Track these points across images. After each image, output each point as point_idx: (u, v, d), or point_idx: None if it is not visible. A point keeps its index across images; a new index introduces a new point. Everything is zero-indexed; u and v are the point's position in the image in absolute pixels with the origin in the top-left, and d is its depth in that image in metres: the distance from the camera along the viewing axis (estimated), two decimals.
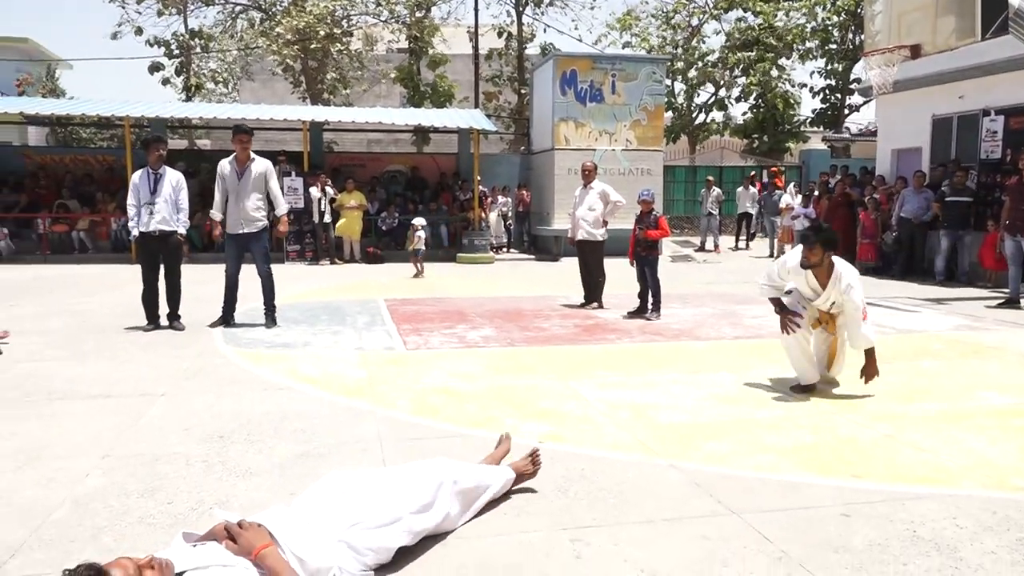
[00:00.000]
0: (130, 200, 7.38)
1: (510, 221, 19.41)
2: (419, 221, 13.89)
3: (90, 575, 2.07)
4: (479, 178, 17.45)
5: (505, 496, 3.32)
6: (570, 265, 9.96)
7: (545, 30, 36.29)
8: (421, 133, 23.87)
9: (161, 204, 7.31)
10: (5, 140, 20.12)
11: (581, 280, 9.41)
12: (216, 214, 7.58)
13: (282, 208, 7.71)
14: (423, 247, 13.46)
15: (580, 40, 41.58)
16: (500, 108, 27.73)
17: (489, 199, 18.37)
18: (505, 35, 26.84)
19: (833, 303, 5.07)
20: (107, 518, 3.08)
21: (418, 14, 25.10)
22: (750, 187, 19.85)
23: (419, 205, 18.20)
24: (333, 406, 4.82)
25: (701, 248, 19.32)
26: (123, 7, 24.18)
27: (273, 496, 3.29)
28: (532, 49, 27.71)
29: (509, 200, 19.31)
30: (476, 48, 24.72)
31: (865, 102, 26.60)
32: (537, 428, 4.35)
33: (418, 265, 13.33)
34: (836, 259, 5.03)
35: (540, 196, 18.42)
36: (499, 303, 9.64)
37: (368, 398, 5.01)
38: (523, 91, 26.07)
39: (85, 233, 15.91)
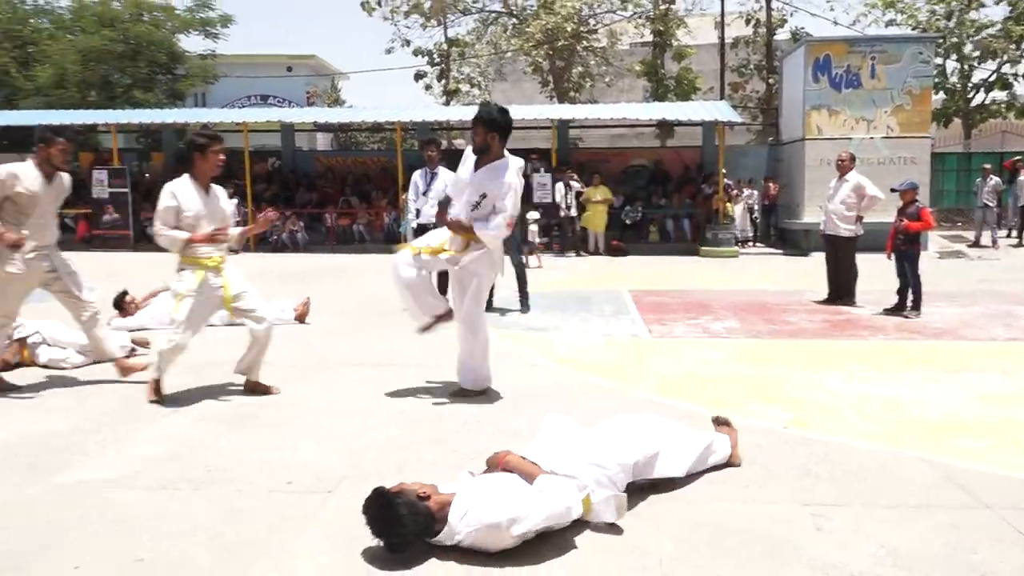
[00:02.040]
0: (410, 195, 8.43)
1: (756, 214, 18.94)
2: (532, 215, 14.32)
3: (378, 501, 2.74)
4: (724, 171, 17.25)
5: (744, 471, 3.54)
6: (820, 260, 9.67)
7: (793, 14, 34.37)
8: (665, 127, 23.95)
9: (434, 199, 8.22)
10: (299, 146, 23.16)
11: (827, 275, 9.12)
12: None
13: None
14: (536, 240, 13.79)
15: (836, 23, 38.98)
16: (747, 98, 26.96)
17: (734, 192, 18.08)
18: (753, 22, 26.04)
19: (482, 196, 4.62)
20: (406, 459, 3.75)
21: (662, 7, 25.15)
22: None
23: (663, 199, 18.36)
24: (584, 383, 5.28)
25: (976, 244, 17.55)
26: (395, 24, 26.74)
27: None
28: (782, 35, 26.60)
29: (755, 193, 18.84)
30: (722, 38, 24.27)
31: None
32: (780, 414, 4.48)
33: (533, 257, 13.45)
34: (512, 156, 4.69)
35: (789, 188, 17.79)
36: (743, 296, 9.63)
37: (616, 378, 5.41)
38: (771, 80, 25.15)
39: (364, 226, 17.98)
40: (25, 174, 4.94)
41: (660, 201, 18.30)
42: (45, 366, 5.77)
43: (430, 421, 4.37)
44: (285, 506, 3.20)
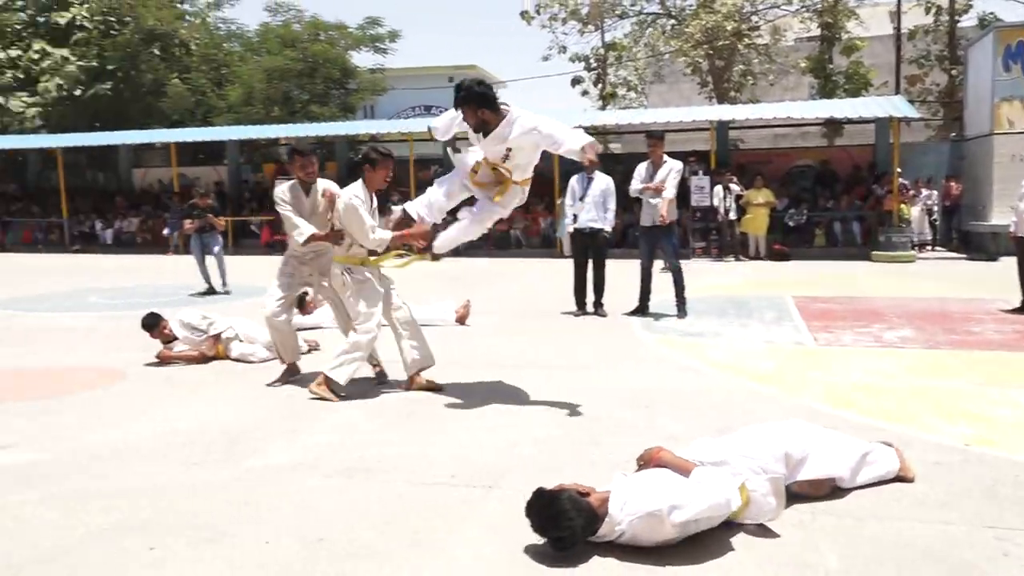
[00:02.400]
0: (567, 200, 8.55)
1: (935, 216, 17.60)
2: None
3: (541, 499, 2.80)
4: (899, 170, 16.17)
5: (919, 488, 3.35)
6: (1010, 265, 8.87)
7: None
8: (833, 125, 22.75)
9: (590, 204, 8.30)
10: None
11: (1020, 281, 8.35)
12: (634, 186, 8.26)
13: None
14: None
15: None
16: (926, 92, 25.13)
17: (911, 192, 16.90)
18: (934, 10, 24.22)
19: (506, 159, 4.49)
20: (564, 458, 3.83)
21: None
22: None
23: (830, 200, 17.49)
24: (744, 390, 5.15)
25: None
26: (552, 32, 27.06)
27: None
28: (967, 22, 24.58)
29: (935, 193, 17.51)
30: (898, 28, 22.76)
31: None
32: (962, 430, 4.18)
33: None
34: (514, 111, 4.43)
35: (974, 187, 16.42)
36: (920, 304, 9.00)
37: (777, 385, 5.24)
38: (954, 71, 23.30)
39: (521, 231, 18.34)
40: (284, 191, 5.50)
41: (827, 203, 17.42)
42: (237, 360, 6.35)
43: (588, 422, 4.43)
44: (449, 497, 3.37)
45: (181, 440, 4.26)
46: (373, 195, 5.18)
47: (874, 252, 15.24)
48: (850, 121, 18.66)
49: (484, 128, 4.51)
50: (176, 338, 6.40)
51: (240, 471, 3.77)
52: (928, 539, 2.90)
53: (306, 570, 2.75)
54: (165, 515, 3.25)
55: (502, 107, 4.52)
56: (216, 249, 11.12)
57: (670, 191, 7.99)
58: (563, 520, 2.72)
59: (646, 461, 3.16)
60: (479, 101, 4.43)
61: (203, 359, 6.31)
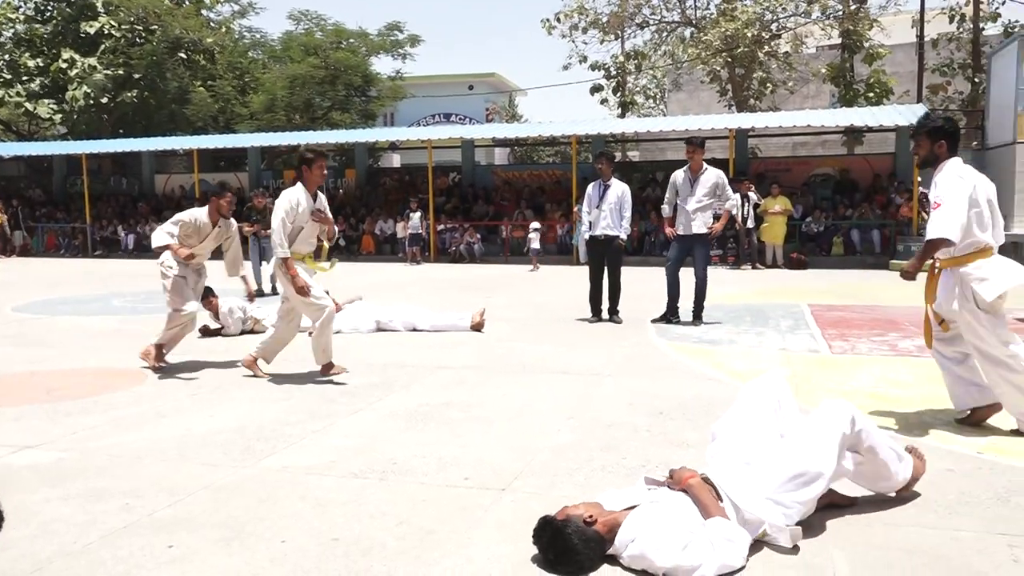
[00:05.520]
0: (583, 207, 8.58)
1: None
2: (534, 225, 16.78)
3: (547, 531, 2.74)
4: (919, 179, 16.07)
5: (932, 496, 3.35)
6: None
7: (1004, 3, 31.25)
8: (852, 133, 22.64)
9: (607, 211, 8.32)
10: (478, 160, 24.07)
11: None
12: (665, 209, 8.47)
13: (728, 204, 8.33)
14: (537, 247, 16.40)
15: None
16: (948, 100, 24.92)
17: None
18: (957, 18, 24.04)
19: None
20: (577, 463, 3.87)
21: (853, 6, 23.79)
22: None
23: (848, 209, 17.40)
24: None
25: None
26: (572, 41, 27.10)
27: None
28: (992, 30, 24.38)
29: None
30: (921, 36, 22.59)
31: None
32: (975, 439, 4.18)
33: (535, 263, 16.29)
34: (954, 159, 4.37)
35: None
36: None
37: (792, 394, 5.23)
38: (977, 79, 23.12)
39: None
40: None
41: (846, 212, 17.34)
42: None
43: (601, 428, 4.47)
44: (462, 499, 3.42)
45: (199, 441, 4.34)
46: (314, 194, 5.91)
47: (892, 261, 15.15)
48: (870, 129, 18.58)
49: (933, 163, 4.55)
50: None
51: (259, 471, 3.84)
52: (938, 545, 2.90)
53: (320, 569, 2.80)
54: (184, 514, 3.32)
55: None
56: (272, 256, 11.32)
57: (732, 201, 8.36)
58: (571, 556, 2.69)
59: (676, 481, 2.96)
60: (940, 134, 4.49)
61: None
